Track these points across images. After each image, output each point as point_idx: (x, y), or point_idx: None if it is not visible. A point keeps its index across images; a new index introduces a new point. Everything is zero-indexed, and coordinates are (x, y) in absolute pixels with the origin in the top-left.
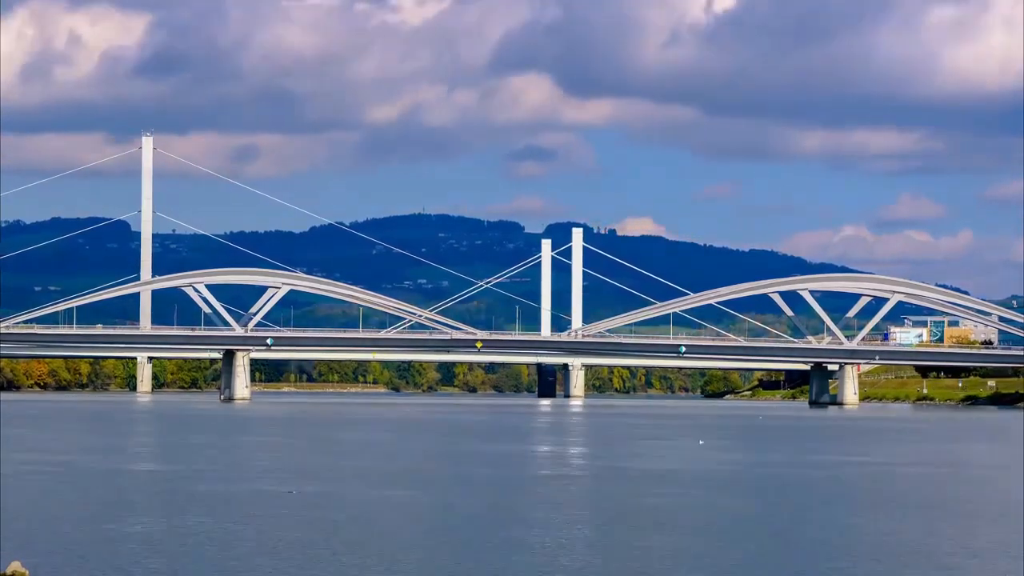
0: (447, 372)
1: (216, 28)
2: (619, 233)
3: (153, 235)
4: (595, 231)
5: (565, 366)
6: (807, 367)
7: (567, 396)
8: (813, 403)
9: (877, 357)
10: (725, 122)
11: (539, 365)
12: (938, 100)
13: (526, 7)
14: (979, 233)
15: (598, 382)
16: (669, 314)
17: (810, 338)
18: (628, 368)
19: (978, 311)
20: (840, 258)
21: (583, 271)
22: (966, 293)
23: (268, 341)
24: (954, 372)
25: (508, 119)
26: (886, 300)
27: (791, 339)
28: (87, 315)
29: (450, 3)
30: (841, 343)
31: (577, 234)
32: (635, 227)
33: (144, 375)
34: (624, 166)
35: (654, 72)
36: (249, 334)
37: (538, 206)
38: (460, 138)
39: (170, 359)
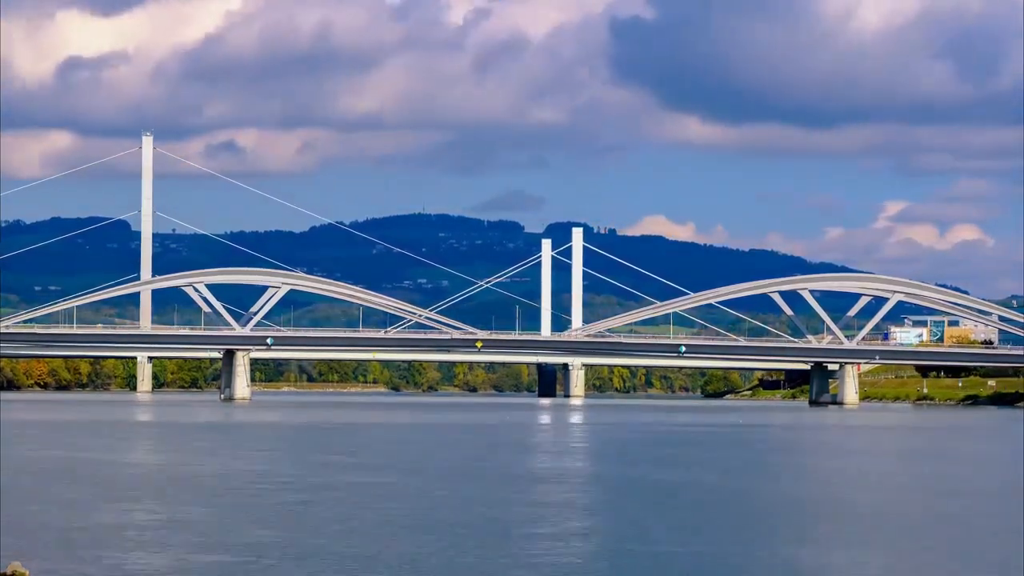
0: (447, 372)
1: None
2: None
3: (153, 235)
4: (595, 231)
5: (565, 366)
6: (807, 367)
7: (567, 396)
8: (813, 403)
9: (877, 357)
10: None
11: (539, 365)
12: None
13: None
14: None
15: (598, 382)
16: (669, 314)
17: (810, 338)
18: (628, 368)
19: (978, 311)
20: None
21: (583, 271)
22: (966, 293)
23: (268, 341)
24: (954, 372)
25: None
26: (886, 300)
27: (791, 339)
28: (87, 315)
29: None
30: (841, 343)
31: (577, 234)
32: (715, 235)
33: (144, 375)
34: (676, 167)
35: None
36: (249, 334)
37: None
38: (476, 137)
39: (170, 359)
